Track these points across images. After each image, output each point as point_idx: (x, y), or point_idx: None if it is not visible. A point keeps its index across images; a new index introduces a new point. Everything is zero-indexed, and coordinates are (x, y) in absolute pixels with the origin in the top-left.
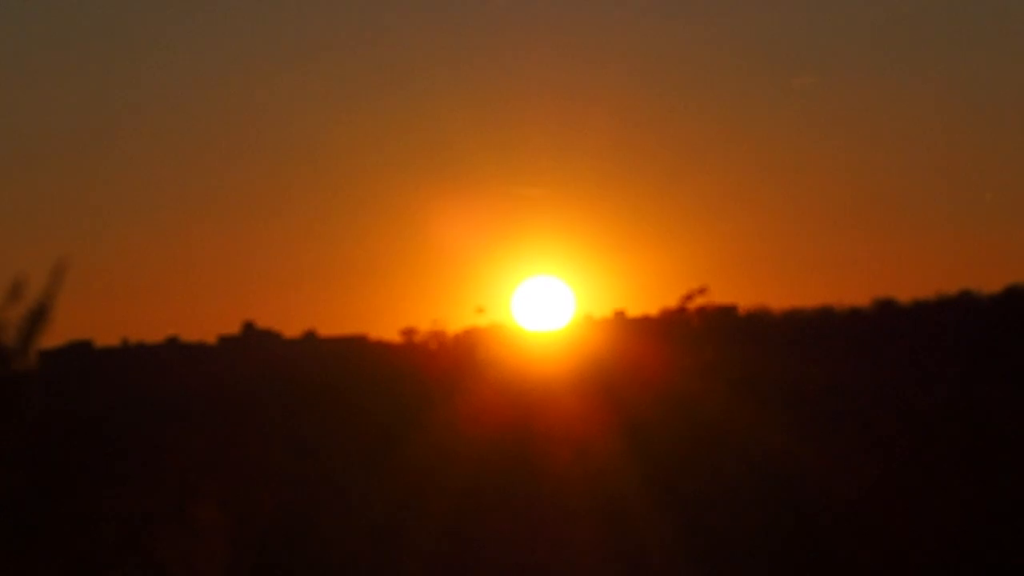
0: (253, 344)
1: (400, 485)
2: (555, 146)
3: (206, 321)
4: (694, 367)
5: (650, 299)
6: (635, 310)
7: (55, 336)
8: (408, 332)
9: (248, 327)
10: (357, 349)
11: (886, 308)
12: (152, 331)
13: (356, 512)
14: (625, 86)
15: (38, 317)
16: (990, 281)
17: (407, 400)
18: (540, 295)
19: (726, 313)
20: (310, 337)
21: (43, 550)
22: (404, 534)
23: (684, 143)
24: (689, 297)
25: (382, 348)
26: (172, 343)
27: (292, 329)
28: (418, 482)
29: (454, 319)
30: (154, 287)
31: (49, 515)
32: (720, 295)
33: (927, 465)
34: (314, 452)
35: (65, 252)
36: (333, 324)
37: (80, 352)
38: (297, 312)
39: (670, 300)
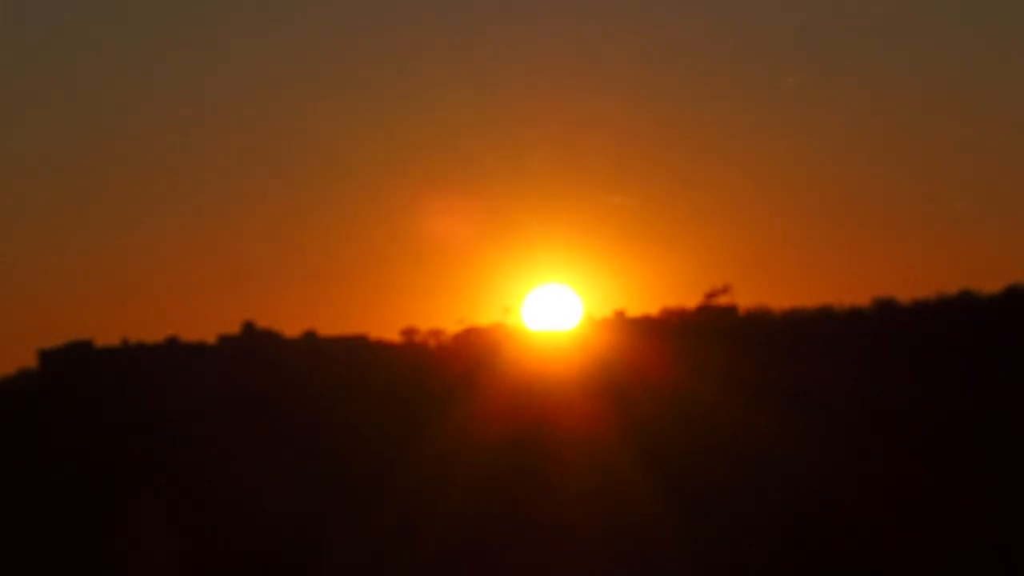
0: (253, 344)
1: (407, 482)
2: (554, 149)
3: (206, 321)
4: (694, 366)
5: (651, 300)
6: (637, 310)
7: (55, 336)
8: (408, 332)
9: (248, 327)
10: (357, 349)
11: (886, 308)
12: (152, 331)
13: (362, 509)
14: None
15: None
16: (990, 281)
17: (412, 399)
18: (547, 297)
19: (726, 313)
20: (310, 337)
21: (45, 549)
22: (411, 531)
23: (682, 146)
24: (713, 294)
25: (382, 348)
26: (172, 343)
27: (292, 329)
28: (425, 479)
29: (451, 320)
30: (154, 287)
31: (50, 514)
32: (720, 295)
33: (928, 462)
34: (317, 452)
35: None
36: (333, 324)
37: (80, 352)
38: (297, 312)
39: (671, 301)
